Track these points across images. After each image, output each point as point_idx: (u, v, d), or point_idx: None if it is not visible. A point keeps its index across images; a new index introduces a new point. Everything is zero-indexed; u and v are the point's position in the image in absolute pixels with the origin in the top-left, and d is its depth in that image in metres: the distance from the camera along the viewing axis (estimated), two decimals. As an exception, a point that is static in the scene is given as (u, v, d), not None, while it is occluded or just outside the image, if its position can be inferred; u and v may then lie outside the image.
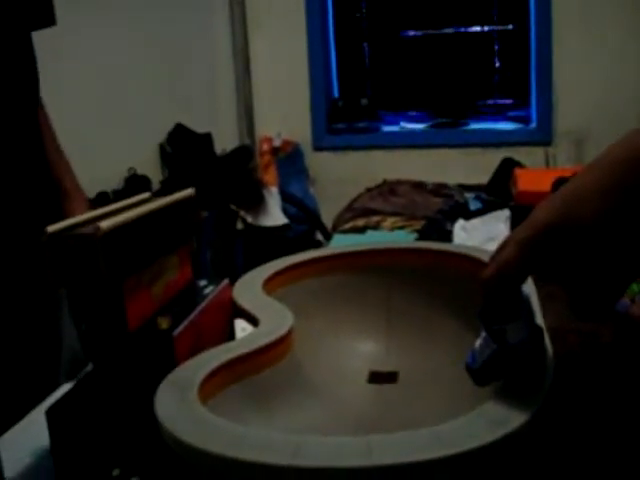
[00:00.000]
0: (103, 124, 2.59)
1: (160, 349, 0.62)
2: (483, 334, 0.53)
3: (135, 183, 2.68)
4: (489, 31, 3.59)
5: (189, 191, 0.75)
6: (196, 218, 0.78)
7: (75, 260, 0.58)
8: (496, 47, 3.59)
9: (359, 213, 2.20)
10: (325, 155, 3.66)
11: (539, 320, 0.59)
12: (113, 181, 2.65)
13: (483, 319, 0.53)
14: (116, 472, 0.63)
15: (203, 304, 0.70)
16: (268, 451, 0.45)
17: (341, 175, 3.54)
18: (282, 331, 0.67)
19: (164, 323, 0.64)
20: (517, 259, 0.49)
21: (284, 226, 2.92)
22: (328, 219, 3.00)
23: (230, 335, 0.77)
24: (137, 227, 0.64)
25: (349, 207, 2.57)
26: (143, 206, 0.67)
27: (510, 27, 3.54)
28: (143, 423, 0.59)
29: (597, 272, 0.48)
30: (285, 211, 3.04)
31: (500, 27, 3.57)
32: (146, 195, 0.74)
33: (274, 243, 2.77)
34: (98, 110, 2.57)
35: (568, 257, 0.48)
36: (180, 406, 0.53)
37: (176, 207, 0.72)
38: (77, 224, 0.60)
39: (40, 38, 1.08)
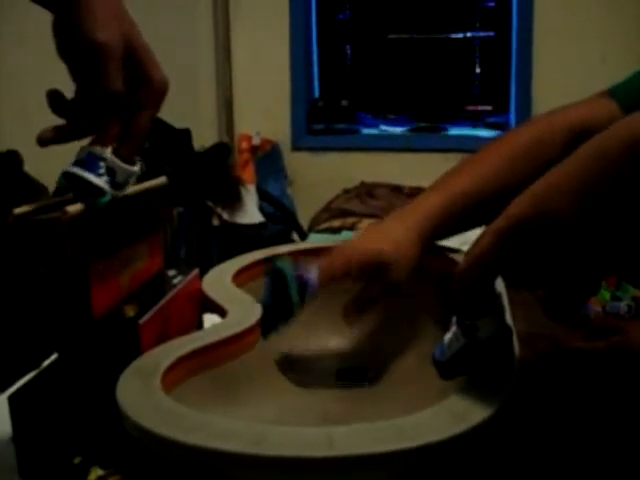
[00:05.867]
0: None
1: (125, 337, 0.62)
2: (453, 328, 0.53)
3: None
4: (471, 37, 3.60)
5: (162, 179, 0.74)
6: (168, 207, 0.77)
7: (41, 244, 0.58)
8: (477, 54, 3.61)
9: (335, 214, 2.20)
10: (303, 155, 3.65)
11: (508, 318, 0.59)
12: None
13: (456, 313, 0.53)
14: (77, 460, 0.62)
15: (171, 293, 0.69)
16: (230, 439, 0.45)
17: (319, 176, 3.53)
18: (249, 323, 0.66)
19: (130, 311, 0.64)
20: (492, 250, 0.49)
21: (260, 224, 2.91)
22: (305, 219, 2.99)
23: (198, 326, 0.76)
24: (106, 213, 0.63)
25: (326, 208, 2.57)
26: (114, 193, 0.66)
27: (492, 34, 3.56)
28: (106, 411, 0.58)
29: (570, 268, 0.48)
30: (262, 210, 3.03)
31: (482, 34, 3.58)
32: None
33: (249, 241, 2.75)
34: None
35: (543, 251, 0.48)
36: (142, 393, 0.52)
37: (148, 195, 0.72)
38: (44, 207, 0.60)
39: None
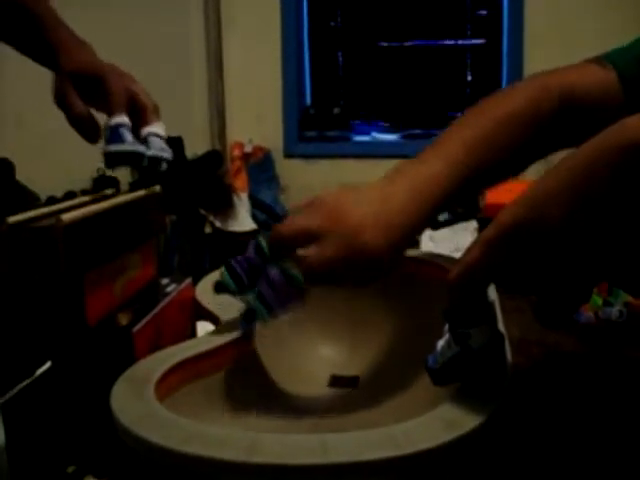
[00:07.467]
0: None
1: (119, 345, 0.62)
2: (446, 336, 0.54)
3: (103, 184, 2.66)
4: (462, 45, 3.62)
5: (155, 188, 0.75)
6: (161, 216, 0.77)
7: (35, 252, 0.58)
8: (468, 61, 3.62)
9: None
10: (296, 163, 3.66)
11: (501, 326, 0.60)
12: (81, 181, 2.63)
13: (449, 321, 0.53)
14: (71, 469, 0.62)
15: (164, 302, 0.69)
16: (223, 447, 0.45)
17: (311, 183, 3.54)
18: (242, 331, 0.67)
19: (124, 319, 0.64)
20: (483, 259, 0.49)
21: (253, 232, 2.91)
22: (297, 226, 2.99)
23: (191, 334, 0.77)
24: (100, 221, 0.63)
25: (318, 214, 2.57)
26: (107, 201, 0.67)
27: (482, 41, 3.57)
28: (100, 419, 0.58)
29: (562, 275, 0.48)
30: (254, 217, 3.03)
31: (472, 41, 3.60)
32: (111, 190, 0.74)
33: (242, 248, 2.75)
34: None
35: (533, 259, 0.48)
36: (136, 402, 0.52)
37: (141, 204, 0.72)
38: (38, 216, 0.60)
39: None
